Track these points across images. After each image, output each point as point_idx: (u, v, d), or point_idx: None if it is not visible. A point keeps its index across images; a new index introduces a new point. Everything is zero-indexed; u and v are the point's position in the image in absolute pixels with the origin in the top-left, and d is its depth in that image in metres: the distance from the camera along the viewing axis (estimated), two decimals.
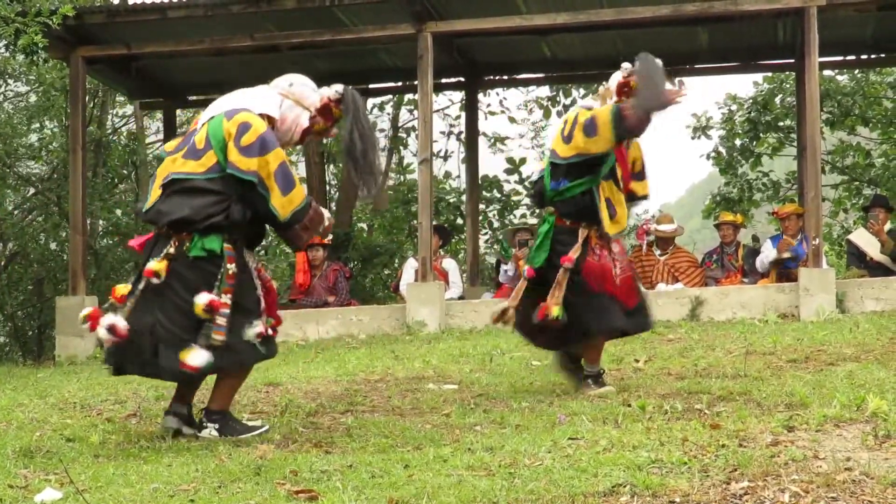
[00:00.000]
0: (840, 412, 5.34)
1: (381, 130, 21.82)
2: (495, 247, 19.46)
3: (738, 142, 20.19)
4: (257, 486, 4.44)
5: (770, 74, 19.65)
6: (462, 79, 16.49)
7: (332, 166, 21.07)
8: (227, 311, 5.78)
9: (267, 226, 6.29)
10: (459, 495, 4.09)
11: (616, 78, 7.15)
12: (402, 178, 22.19)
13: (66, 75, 16.55)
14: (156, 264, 5.81)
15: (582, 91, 21.02)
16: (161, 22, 13.79)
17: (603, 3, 13.31)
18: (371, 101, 21.04)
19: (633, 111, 6.86)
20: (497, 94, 21.59)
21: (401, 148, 22.34)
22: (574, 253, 6.99)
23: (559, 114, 21.22)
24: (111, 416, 6.79)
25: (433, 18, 13.37)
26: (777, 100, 19.62)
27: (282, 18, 13.82)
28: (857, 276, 13.01)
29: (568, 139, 7.04)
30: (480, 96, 19.31)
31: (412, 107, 20.82)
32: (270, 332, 6.05)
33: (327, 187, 20.60)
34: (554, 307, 6.91)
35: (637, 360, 8.56)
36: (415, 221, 16.37)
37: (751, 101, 19.87)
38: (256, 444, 5.53)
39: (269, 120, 6.07)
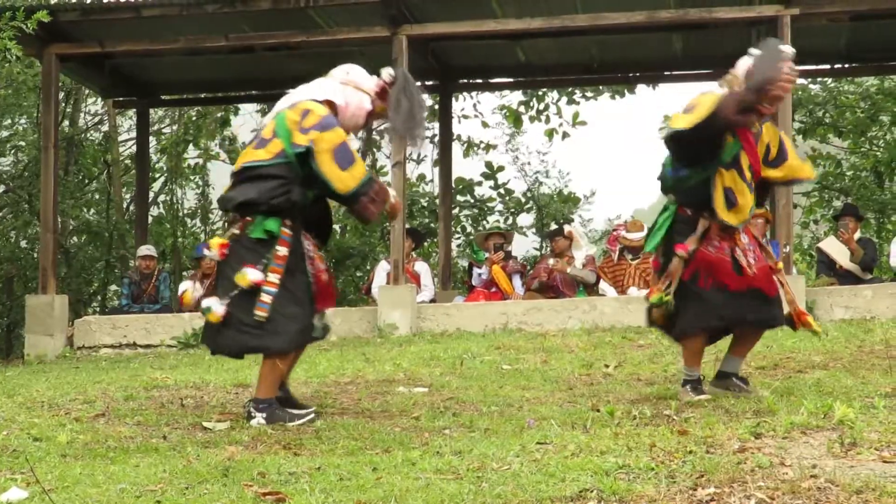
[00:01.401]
0: (807, 419, 5.37)
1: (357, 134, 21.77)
2: (467, 250, 19.47)
3: None
4: (225, 488, 4.42)
5: None
6: (436, 82, 16.50)
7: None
8: (273, 290, 6.15)
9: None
10: (427, 499, 4.09)
11: (744, 64, 6.66)
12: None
13: (38, 73, 16.47)
14: (214, 240, 6.37)
15: (556, 95, 21.06)
16: (135, 20, 13.76)
17: (578, 8, 13.35)
18: None
19: (735, 97, 6.40)
20: (471, 97, 21.59)
21: (374, 151, 22.31)
22: (690, 243, 6.63)
23: (531, 119, 21.25)
24: (79, 416, 6.75)
25: (408, 21, 13.38)
26: None
27: (256, 19, 13.80)
28: (826, 284, 13.09)
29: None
30: (454, 100, 19.32)
31: None
32: (315, 319, 6.49)
33: None
34: (656, 293, 6.75)
35: (607, 366, 8.58)
36: (388, 224, 16.35)
37: None
38: (225, 445, 5.51)
39: (332, 106, 6.48)
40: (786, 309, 6.87)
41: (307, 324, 6.39)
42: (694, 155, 6.62)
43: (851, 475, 4.19)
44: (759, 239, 6.99)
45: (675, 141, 6.57)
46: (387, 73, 6.66)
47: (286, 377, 6.61)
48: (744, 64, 6.62)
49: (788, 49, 6.48)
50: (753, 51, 6.66)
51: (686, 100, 6.74)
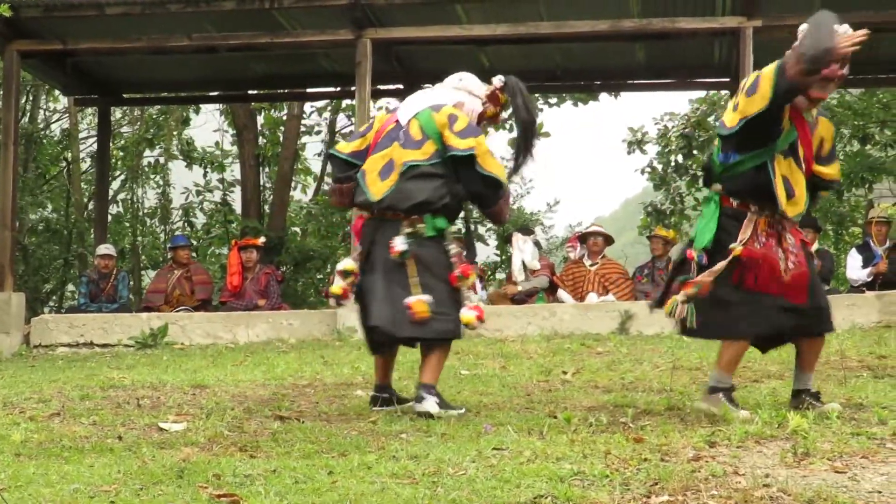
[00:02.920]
0: (761, 429, 5.40)
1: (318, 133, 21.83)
2: None
3: (672, 158, 20.39)
4: (179, 489, 4.41)
5: (706, 94, 19.87)
6: (400, 86, 16.51)
7: (266, 169, 20.99)
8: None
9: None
10: (382, 503, 4.09)
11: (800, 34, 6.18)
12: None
13: None
14: (401, 244, 6.58)
15: None
16: (98, 18, 13.69)
17: (542, 16, 13.40)
18: (308, 106, 21.03)
19: (795, 60, 5.93)
20: None
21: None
22: (743, 238, 6.17)
23: (495, 128, 21.26)
24: (34, 415, 6.71)
25: (373, 25, 13.39)
26: (712, 119, 19.83)
27: (220, 19, 13.77)
28: None
29: (735, 106, 6.25)
30: None
31: (350, 112, 20.79)
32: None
33: (261, 189, 20.52)
34: (691, 287, 6.24)
35: (565, 372, 8.60)
36: (349, 227, 16.34)
37: (685, 117, 20.07)
38: (180, 446, 5.50)
39: (461, 107, 6.88)
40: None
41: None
42: (756, 142, 6.22)
43: (804, 485, 4.22)
44: (807, 243, 6.61)
45: (749, 123, 6.13)
46: (498, 79, 7.00)
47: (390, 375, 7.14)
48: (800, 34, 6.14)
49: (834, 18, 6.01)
50: (806, 25, 6.15)
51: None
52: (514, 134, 7.60)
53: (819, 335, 6.49)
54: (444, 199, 6.64)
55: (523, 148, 6.83)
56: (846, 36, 5.92)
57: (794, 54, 5.97)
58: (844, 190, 19.90)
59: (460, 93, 6.97)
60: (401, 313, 6.51)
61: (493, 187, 6.71)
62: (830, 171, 6.54)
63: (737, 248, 6.15)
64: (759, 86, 6.06)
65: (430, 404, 6.43)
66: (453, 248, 6.72)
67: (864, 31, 5.97)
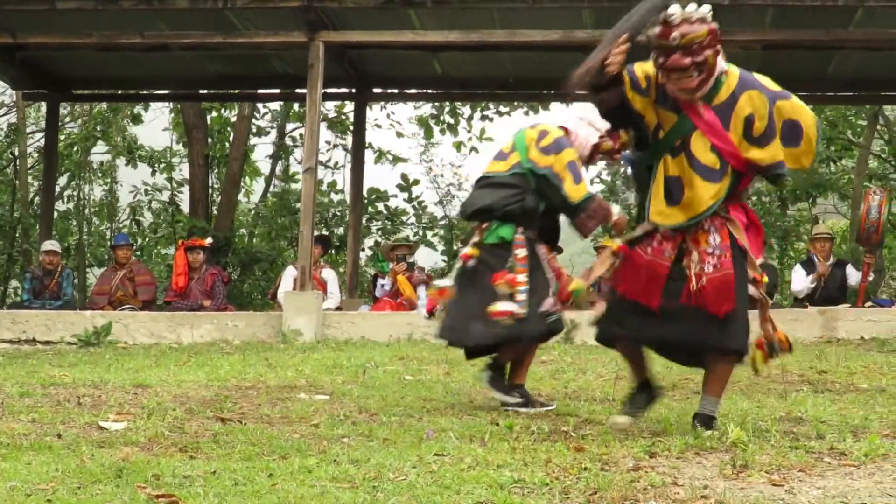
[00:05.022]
0: (701, 441, 5.44)
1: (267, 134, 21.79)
2: (372, 263, 19.47)
3: (622, 169, 20.48)
4: (117, 489, 4.38)
5: None
6: (352, 90, 16.50)
7: (215, 170, 20.91)
8: (525, 288, 6.80)
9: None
10: None
11: None
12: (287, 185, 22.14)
13: None
14: (469, 249, 7.02)
15: (468, 110, 21.17)
16: (49, 13, 13.58)
17: (496, 23, 13.44)
18: (259, 107, 20.97)
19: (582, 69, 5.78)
20: (385, 107, 21.63)
21: (281, 154, 22.26)
22: (629, 238, 5.89)
23: (442, 132, 21.34)
24: None
25: (326, 28, 13.37)
26: None
27: (173, 18, 13.71)
28: None
29: None
30: (370, 109, 19.34)
31: (301, 115, 20.77)
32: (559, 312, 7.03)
33: (210, 191, 20.44)
34: (576, 282, 6.61)
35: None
36: (296, 230, 16.32)
37: None
38: (120, 445, 5.46)
39: (567, 132, 7.10)
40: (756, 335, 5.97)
41: (557, 316, 7.04)
42: (641, 141, 5.92)
43: (741, 496, 4.25)
44: (746, 244, 5.87)
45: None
46: None
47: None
48: None
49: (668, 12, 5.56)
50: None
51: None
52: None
53: (719, 352, 5.87)
54: (508, 207, 6.91)
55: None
56: (614, 46, 5.70)
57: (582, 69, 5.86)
58: (788, 204, 20.11)
59: (581, 122, 7.18)
60: (474, 319, 6.86)
61: (570, 204, 6.92)
62: (765, 154, 5.73)
63: (613, 243, 5.99)
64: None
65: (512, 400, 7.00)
66: (519, 254, 6.87)
67: (623, 42, 5.68)
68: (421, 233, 20.60)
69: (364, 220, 18.95)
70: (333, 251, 19.14)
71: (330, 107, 21.10)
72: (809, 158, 5.89)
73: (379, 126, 21.51)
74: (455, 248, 18.79)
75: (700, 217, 5.71)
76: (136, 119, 21.52)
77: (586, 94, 5.99)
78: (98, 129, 21.40)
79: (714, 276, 5.69)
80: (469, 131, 21.41)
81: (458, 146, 21.40)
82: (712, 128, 5.68)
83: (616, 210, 7.11)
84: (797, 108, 5.79)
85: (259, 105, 20.79)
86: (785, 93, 5.78)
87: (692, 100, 5.68)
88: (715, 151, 5.68)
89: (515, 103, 20.53)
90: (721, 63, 5.71)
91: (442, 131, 21.33)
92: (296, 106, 20.85)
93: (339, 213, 20.11)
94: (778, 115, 5.73)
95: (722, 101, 5.70)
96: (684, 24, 5.51)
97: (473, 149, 21.46)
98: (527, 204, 6.93)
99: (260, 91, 18.21)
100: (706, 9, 5.56)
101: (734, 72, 5.79)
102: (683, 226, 5.73)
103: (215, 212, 20.02)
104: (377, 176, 20.87)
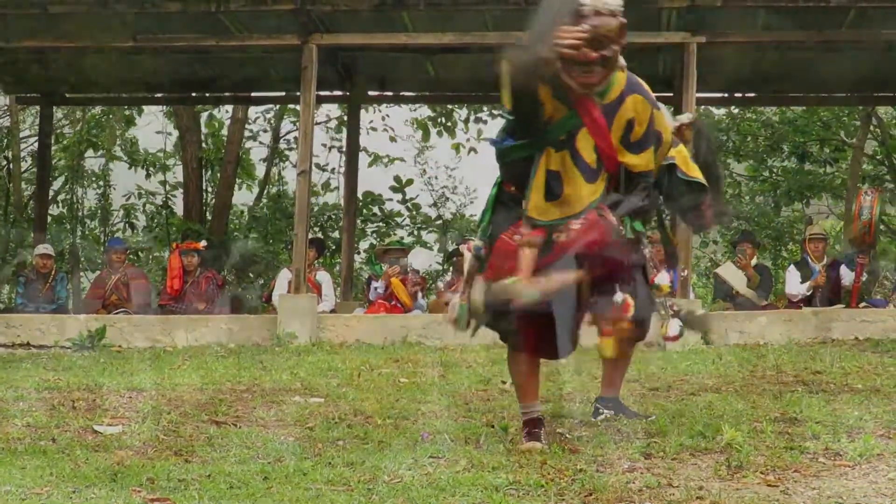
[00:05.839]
0: (696, 441, 5.45)
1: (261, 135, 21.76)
2: (366, 266, 19.46)
3: None
4: (112, 493, 4.38)
5: None
6: (345, 93, 16.48)
7: (208, 171, 20.88)
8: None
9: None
10: None
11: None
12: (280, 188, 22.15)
13: None
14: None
15: (465, 112, 21.17)
16: (41, 17, 13.54)
17: (489, 25, 13.43)
18: (253, 110, 20.95)
19: (517, 52, 5.37)
20: (379, 110, 21.61)
21: (275, 158, 22.24)
22: (515, 231, 5.59)
23: (439, 134, 21.32)
24: None
25: (319, 31, 13.35)
26: None
27: (166, 21, 13.67)
28: (722, 308, 13.28)
29: None
30: (364, 111, 19.33)
31: (295, 118, 20.74)
32: None
33: (203, 193, 20.41)
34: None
35: (504, 382, 8.59)
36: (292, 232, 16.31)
37: None
38: (115, 449, 5.45)
39: None
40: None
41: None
42: (525, 130, 5.57)
43: (736, 497, 4.26)
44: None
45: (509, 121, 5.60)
46: (686, 115, 6.90)
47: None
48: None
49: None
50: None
51: None
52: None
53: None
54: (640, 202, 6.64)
55: (715, 189, 6.65)
56: (566, 31, 5.21)
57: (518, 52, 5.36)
58: (783, 205, 20.13)
59: None
60: None
61: (696, 192, 6.54)
62: (639, 160, 5.69)
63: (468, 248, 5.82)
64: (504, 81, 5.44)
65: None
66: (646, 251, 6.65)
67: (584, 29, 5.23)
68: (416, 233, 20.60)
69: (359, 223, 18.95)
70: (328, 254, 19.12)
71: (325, 115, 21.13)
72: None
73: (374, 129, 21.47)
74: (448, 248, 18.80)
75: (576, 216, 5.51)
76: (130, 122, 21.48)
77: (519, 79, 5.35)
78: (93, 132, 21.35)
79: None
80: (466, 132, 21.40)
81: (456, 148, 21.38)
82: (599, 127, 5.54)
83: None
84: (663, 121, 5.90)
85: (252, 108, 20.74)
86: (659, 104, 5.89)
87: (588, 95, 5.48)
88: (596, 151, 5.55)
89: None
90: (621, 60, 5.59)
91: (439, 133, 21.31)
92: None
93: (333, 217, 20.09)
94: (655, 124, 5.75)
95: (611, 101, 5.58)
96: (595, 17, 5.30)
97: (472, 149, 21.44)
98: (654, 199, 6.58)
99: (253, 94, 18.19)
100: (618, 1, 5.37)
101: (622, 72, 5.67)
102: (558, 222, 5.54)
103: (209, 216, 20.00)
104: (371, 179, 20.85)
